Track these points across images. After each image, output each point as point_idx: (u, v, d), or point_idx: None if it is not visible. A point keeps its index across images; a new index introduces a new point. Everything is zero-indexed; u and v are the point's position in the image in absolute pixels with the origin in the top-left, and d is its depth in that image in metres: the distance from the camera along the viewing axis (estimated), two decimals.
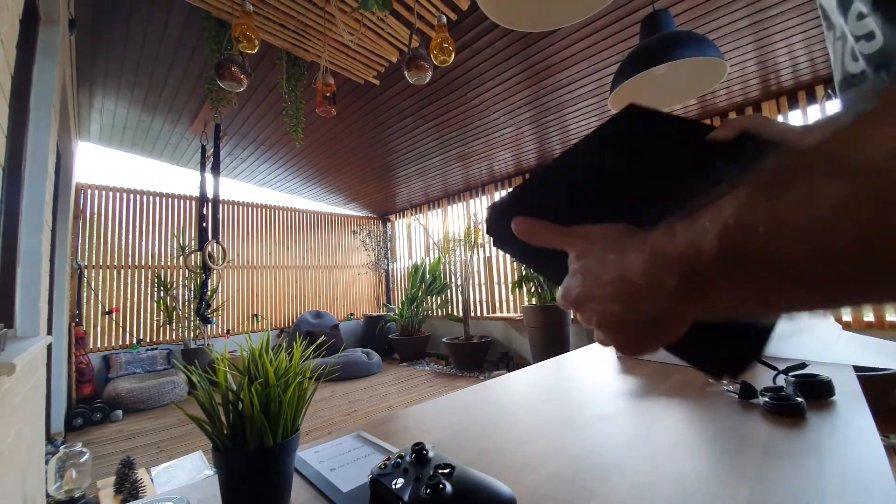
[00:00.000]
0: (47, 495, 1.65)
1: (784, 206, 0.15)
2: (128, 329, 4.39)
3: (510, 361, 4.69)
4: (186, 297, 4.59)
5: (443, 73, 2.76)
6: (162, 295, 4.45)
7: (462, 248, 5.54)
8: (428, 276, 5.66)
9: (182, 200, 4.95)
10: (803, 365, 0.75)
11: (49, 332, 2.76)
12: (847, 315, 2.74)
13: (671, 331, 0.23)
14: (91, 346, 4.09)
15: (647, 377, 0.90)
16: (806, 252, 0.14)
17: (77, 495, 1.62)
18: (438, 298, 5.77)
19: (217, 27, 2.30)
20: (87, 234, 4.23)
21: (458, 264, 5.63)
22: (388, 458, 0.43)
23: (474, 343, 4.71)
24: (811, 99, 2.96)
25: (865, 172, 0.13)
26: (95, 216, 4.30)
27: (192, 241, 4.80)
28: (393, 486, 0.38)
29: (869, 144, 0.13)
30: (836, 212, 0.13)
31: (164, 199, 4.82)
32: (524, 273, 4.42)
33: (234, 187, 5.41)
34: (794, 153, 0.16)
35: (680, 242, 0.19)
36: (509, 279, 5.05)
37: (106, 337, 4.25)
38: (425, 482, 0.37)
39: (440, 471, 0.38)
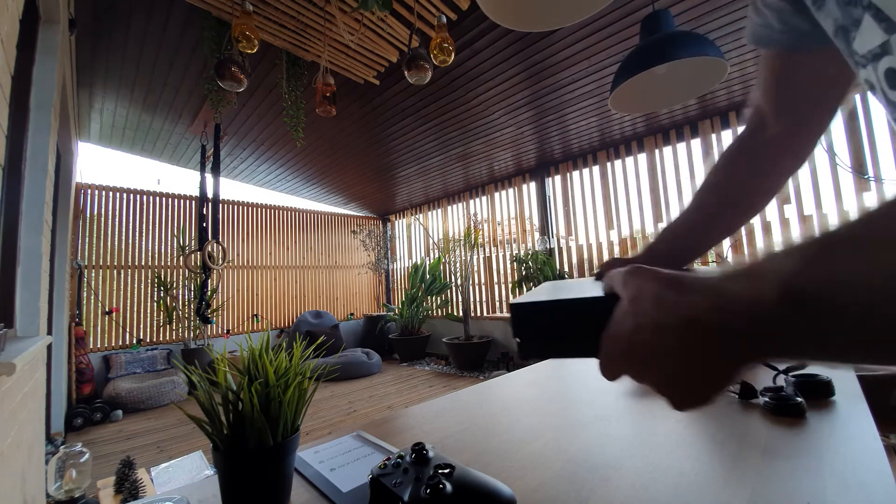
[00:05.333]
0: (47, 495, 1.65)
1: (839, 272, 0.17)
2: (128, 329, 4.39)
3: (510, 361, 4.69)
4: (186, 297, 4.59)
5: (443, 73, 2.76)
6: (162, 295, 4.45)
7: (462, 248, 5.54)
8: (428, 276, 5.66)
9: (182, 200, 4.95)
10: (803, 365, 0.75)
11: (49, 332, 2.76)
12: None
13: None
14: (91, 346, 4.09)
15: None
16: (858, 309, 0.17)
17: (77, 495, 1.62)
18: (438, 298, 5.77)
19: (217, 27, 2.30)
20: (87, 234, 4.23)
21: (458, 264, 5.63)
22: (388, 458, 0.43)
23: (474, 343, 4.71)
24: None
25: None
26: (95, 216, 4.31)
27: (192, 241, 4.80)
28: (393, 486, 0.38)
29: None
30: (876, 276, 0.16)
31: (164, 199, 4.82)
32: (524, 273, 4.42)
33: (234, 187, 5.42)
34: (841, 231, 0.18)
35: (739, 291, 0.21)
36: (509, 279, 5.05)
37: (106, 337, 4.25)
38: (425, 482, 0.37)
39: (440, 471, 0.38)
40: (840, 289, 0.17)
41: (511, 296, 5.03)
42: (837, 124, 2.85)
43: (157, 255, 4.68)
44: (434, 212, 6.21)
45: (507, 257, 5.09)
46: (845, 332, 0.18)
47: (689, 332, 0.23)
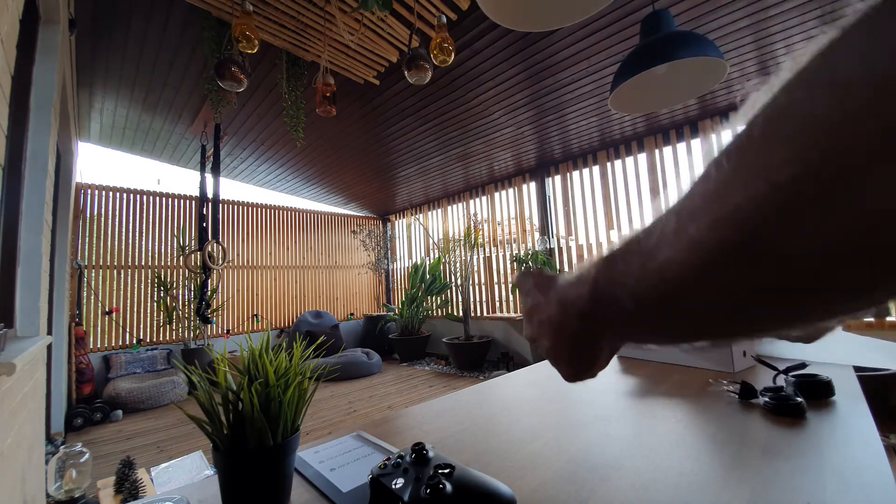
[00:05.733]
0: (47, 495, 1.65)
1: (615, 274, 0.23)
2: (128, 329, 4.39)
3: (510, 361, 4.69)
4: (186, 297, 4.59)
5: (443, 73, 2.76)
6: (162, 295, 4.45)
7: (462, 248, 5.54)
8: (428, 276, 5.66)
9: (182, 200, 4.95)
10: (803, 365, 0.75)
11: (49, 332, 2.76)
12: None
13: (592, 361, 0.30)
14: (91, 346, 4.09)
15: (647, 377, 0.90)
16: (629, 299, 0.22)
17: (77, 495, 1.62)
18: (438, 298, 5.77)
19: (217, 27, 2.30)
20: (87, 234, 4.23)
21: (458, 264, 5.63)
22: (388, 458, 0.43)
23: (474, 343, 4.71)
24: None
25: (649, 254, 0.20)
26: (95, 216, 4.31)
27: (192, 241, 4.80)
28: (393, 486, 0.38)
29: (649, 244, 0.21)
30: (639, 277, 0.21)
31: (164, 199, 4.82)
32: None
33: (234, 187, 5.42)
34: (621, 247, 0.23)
35: (573, 293, 0.27)
36: (509, 279, 5.05)
37: (106, 337, 4.25)
38: (425, 482, 0.37)
39: (440, 471, 0.38)
40: (615, 283, 0.23)
41: (511, 296, 5.03)
42: None
43: (157, 255, 4.68)
44: (434, 212, 6.21)
45: (507, 257, 5.09)
46: (633, 315, 0.23)
47: (549, 328, 0.30)
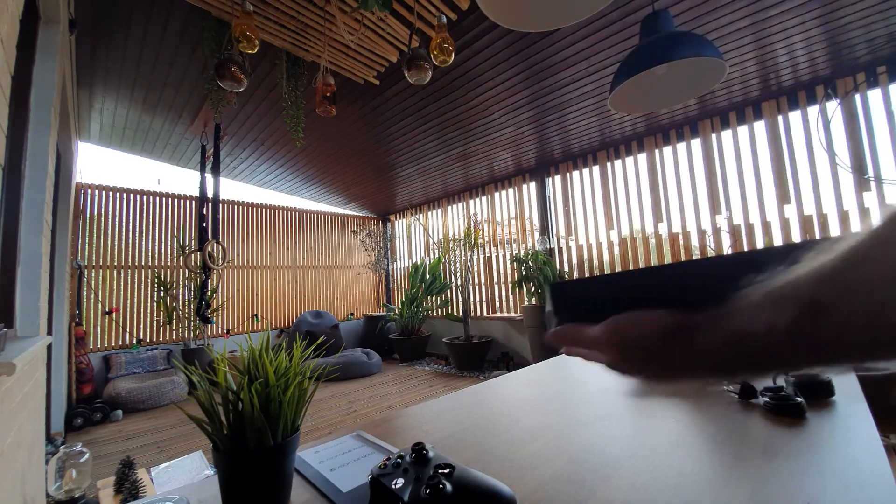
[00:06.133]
0: (47, 495, 1.65)
1: (825, 329, 0.23)
2: (128, 329, 4.39)
3: (510, 361, 4.69)
4: (186, 297, 4.59)
5: (443, 73, 2.76)
6: (162, 295, 4.45)
7: (462, 248, 5.54)
8: (428, 276, 5.66)
9: (182, 200, 4.95)
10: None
11: (49, 332, 2.76)
12: None
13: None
14: (91, 346, 4.09)
15: None
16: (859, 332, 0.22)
17: (77, 495, 1.62)
18: (438, 298, 5.77)
19: (217, 27, 2.30)
20: (87, 234, 4.23)
21: (458, 264, 5.63)
22: (388, 458, 0.43)
23: (474, 343, 4.71)
24: (811, 99, 2.96)
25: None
26: (95, 216, 4.31)
27: (192, 241, 4.80)
28: (393, 486, 0.38)
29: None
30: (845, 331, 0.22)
31: (164, 199, 4.82)
32: (524, 273, 4.42)
33: (234, 187, 5.41)
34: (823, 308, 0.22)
35: (754, 328, 0.25)
36: (509, 279, 5.05)
37: (106, 337, 4.25)
38: (425, 482, 0.37)
39: (440, 471, 0.38)
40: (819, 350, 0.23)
41: (511, 295, 5.03)
42: (837, 124, 2.85)
43: (157, 255, 4.68)
44: (434, 212, 6.21)
45: (507, 257, 5.09)
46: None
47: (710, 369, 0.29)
